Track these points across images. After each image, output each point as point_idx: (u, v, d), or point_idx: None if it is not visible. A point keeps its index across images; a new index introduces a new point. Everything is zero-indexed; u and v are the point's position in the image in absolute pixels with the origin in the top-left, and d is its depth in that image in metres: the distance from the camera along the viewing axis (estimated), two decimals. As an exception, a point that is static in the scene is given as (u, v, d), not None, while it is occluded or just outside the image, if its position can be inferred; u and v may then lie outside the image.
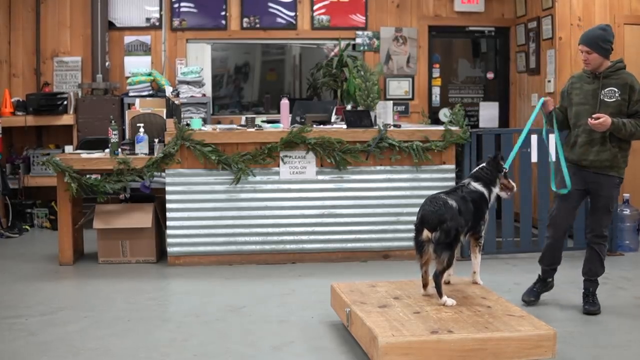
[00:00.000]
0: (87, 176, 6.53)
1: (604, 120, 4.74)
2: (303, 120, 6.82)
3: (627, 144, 4.95)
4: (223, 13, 8.96)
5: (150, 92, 8.46)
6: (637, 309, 5.12)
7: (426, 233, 4.35)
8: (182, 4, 8.91)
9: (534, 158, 6.82)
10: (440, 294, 4.35)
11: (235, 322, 4.84)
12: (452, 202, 4.44)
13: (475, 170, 4.87)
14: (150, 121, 6.91)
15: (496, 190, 4.78)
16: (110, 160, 6.43)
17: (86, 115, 8.31)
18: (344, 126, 6.68)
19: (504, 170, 4.82)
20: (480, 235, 4.70)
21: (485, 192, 4.69)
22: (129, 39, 8.87)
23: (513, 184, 4.90)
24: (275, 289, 5.68)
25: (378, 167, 6.58)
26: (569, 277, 6.02)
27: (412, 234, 4.53)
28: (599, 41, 4.85)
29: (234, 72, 9.81)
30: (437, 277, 4.37)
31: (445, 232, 4.32)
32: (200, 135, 6.40)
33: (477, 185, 4.68)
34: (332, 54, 8.85)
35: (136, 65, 8.72)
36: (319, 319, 4.87)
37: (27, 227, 8.27)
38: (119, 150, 6.55)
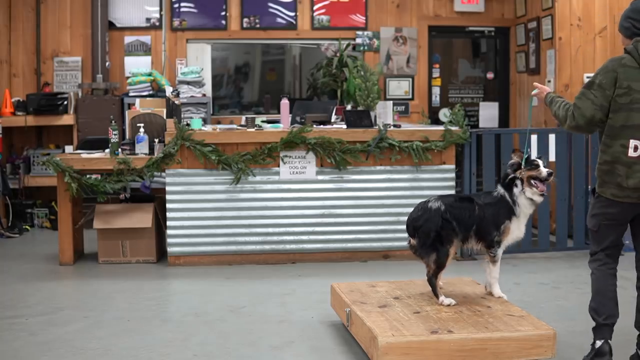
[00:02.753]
0: (87, 176, 6.53)
1: (540, 90, 4.19)
2: (303, 120, 6.82)
3: (603, 144, 3.84)
4: (223, 13, 8.96)
5: (151, 92, 8.46)
6: (637, 309, 5.11)
7: (411, 240, 4.44)
8: (182, 4, 8.92)
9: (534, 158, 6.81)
10: (436, 295, 4.38)
11: (235, 322, 4.84)
12: (436, 204, 4.37)
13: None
14: (151, 121, 6.91)
15: (522, 190, 4.33)
16: (110, 160, 6.43)
17: (86, 115, 8.32)
18: (344, 126, 6.68)
19: (531, 161, 4.32)
20: (491, 245, 4.37)
21: (507, 195, 4.36)
22: (129, 39, 8.87)
23: (541, 170, 4.28)
24: (275, 289, 5.68)
25: (378, 167, 6.58)
26: (569, 277, 6.03)
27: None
28: (621, 19, 3.94)
29: (234, 72, 9.82)
30: (430, 280, 4.40)
31: (422, 235, 4.34)
32: (200, 135, 6.40)
33: (499, 189, 4.43)
34: (330, 52, 8.83)
35: (136, 65, 8.72)
36: (319, 319, 4.87)
37: (27, 227, 8.27)
38: (119, 150, 6.55)
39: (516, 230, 4.42)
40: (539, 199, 4.37)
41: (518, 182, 4.35)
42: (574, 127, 3.88)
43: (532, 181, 4.32)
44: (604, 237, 3.94)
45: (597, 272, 3.97)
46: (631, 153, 3.72)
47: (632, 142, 3.71)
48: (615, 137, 3.76)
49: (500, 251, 4.43)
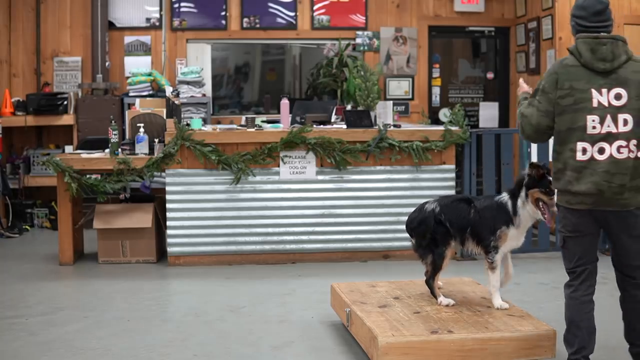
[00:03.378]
0: (87, 176, 6.53)
1: (519, 88, 3.99)
2: (303, 120, 6.82)
3: (554, 152, 3.66)
4: (223, 13, 8.96)
5: (150, 92, 8.47)
6: (637, 309, 5.10)
7: (412, 241, 4.52)
8: (182, 4, 8.92)
9: (534, 158, 6.82)
10: (435, 297, 4.39)
11: (235, 322, 4.84)
12: (431, 206, 4.42)
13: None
14: (151, 121, 6.91)
15: (524, 205, 4.14)
16: (110, 160, 6.43)
17: (86, 115, 8.32)
18: (344, 126, 6.68)
19: (548, 183, 3.98)
20: (487, 250, 4.26)
21: (508, 202, 4.20)
22: (129, 39, 8.87)
23: (553, 202, 3.93)
24: (275, 289, 5.68)
25: (378, 167, 6.58)
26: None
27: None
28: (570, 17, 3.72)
29: (234, 72, 9.82)
30: (427, 282, 4.43)
31: (418, 236, 4.42)
32: (200, 135, 6.40)
33: (503, 195, 4.30)
34: (331, 53, 8.82)
35: (136, 65, 8.72)
36: (319, 319, 4.87)
37: (27, 227, 8.27)
38: (119, 150, 6.55)
39: (513, 239, 4.28)
40: (540, 218, 4.20)
41: (523, 194, 4.15)
42: (526, 138, 3.73)
43: (541, 204, 4.09)
44: (572, 252, 3.70)
45: (569, 299, 3.73)
46: (579, 156, 3.49)
47: (580, 145, 3.48)
48: (563, 142, 3.54)
49: (498, 257, 4.27)
